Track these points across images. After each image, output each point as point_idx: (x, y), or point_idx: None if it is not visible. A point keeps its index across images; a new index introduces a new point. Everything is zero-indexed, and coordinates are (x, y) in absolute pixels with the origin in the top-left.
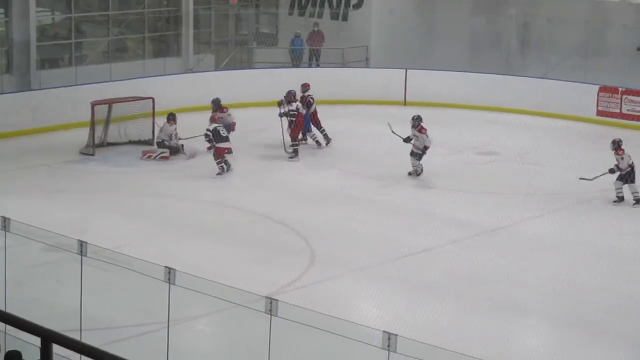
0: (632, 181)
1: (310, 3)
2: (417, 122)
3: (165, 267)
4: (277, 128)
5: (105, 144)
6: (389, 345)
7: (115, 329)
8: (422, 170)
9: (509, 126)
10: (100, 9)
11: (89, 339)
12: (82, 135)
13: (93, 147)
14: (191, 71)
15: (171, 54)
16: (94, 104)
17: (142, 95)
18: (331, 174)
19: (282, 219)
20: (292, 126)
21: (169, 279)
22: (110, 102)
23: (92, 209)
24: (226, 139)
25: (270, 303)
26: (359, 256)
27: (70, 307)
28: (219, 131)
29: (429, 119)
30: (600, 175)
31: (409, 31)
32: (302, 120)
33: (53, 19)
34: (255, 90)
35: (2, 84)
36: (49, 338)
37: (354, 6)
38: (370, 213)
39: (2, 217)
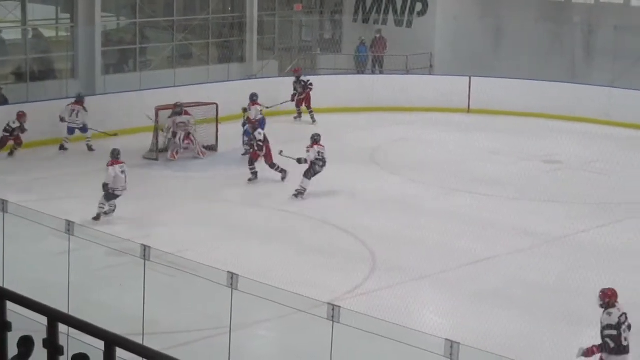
0: None
1: (374, 10)
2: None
3: (228, 272)
4: (342, 135)
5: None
6: (451, 354)
7: (177, 333)
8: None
9: (574, 134)
10: (165, 14)
11: (151, 343)
12: (146, 140)
13: (157, 152)
14: (255, 77)
15: (235, 60)
16: (158, 109)
17: (206, 100)
18: (393, 180)
19: (344, 226)
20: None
21: (231, 284)
22: (174, 108)
23: (155, 213)
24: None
25: (333, 309)
26: (420, 263)
27: (133, 312)
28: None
29: (493, 126)
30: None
31: (473, 38)
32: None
33: (118, 24)
34: (319, 97)
35: (68, 89)
36: (112, 342)
37: (418, 13)
38: (433, 220)
39: (67, 220)
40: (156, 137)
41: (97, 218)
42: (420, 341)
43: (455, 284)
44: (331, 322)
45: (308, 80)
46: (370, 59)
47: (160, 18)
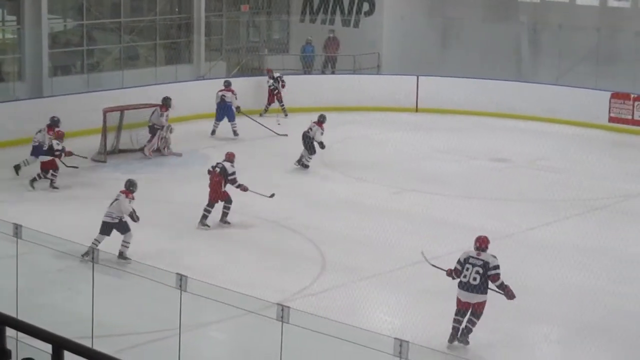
0: None
1: (321, 10)
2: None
3: (177, 274)
4: (291, 134)
5: (116, 151)
6: (400, 352)
7: (126, 335)
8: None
9: (520, 133)
10: (112, 16)
11: (100, 346)
12: (93, 142)
13: (105, 154)
14: (202, 78)
15: (182, 61)
16: (105, 111)
17: (154, 102)
18: (342, 180)
19: (293, 226)
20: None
21: (180, 286)
22: (121, 109)
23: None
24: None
25: (282, 310)
26: (370, 263)
27: (82, 314)
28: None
29: (441, 125)
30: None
31: (420, 38)
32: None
33: (65, 26)
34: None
35: (15, 91)
36: (60, 345)
37: (365, 13)
38: (382, 220)
39: (14, 224)
40: (104, 139)
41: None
42: (369, 340)
43: (404, 283)
44: (280, 323)
45: (280, 76)
46: (323, 59)
47: (107, 20)
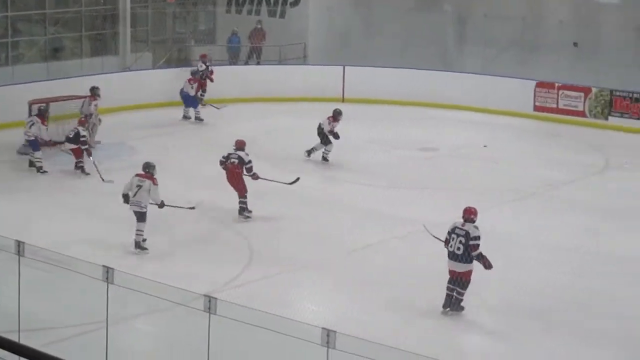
0: None
1: (248, 1)
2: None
3: (104, 266)
4: (215, 125)
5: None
6: (328, 342)
7: (54, 329)
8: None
9: (447, 122)
10: (37, 7)
11: (27, 340)
12: (19, 135)
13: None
14: (129, 69)
15: (109, 53)
16: (31, 103)
17: (80, 94)
18: (270, 171)
19: (221, 217)
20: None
21: (107, 279)
22: (47, 101)
23: (29, 208)
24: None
25: (209, 301)
26: (299, 253)
27: (9, 309)
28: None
29: (369, 115)
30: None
31: (346, 28)
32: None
33: None
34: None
35: None
36: None
37: (291, 3)
38: (311, 210)
39: None
40: None
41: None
42: (297, 330)
43: (333, 273)
44: (208, 314)
45: (209, 65)
46: (248, 50)
47: (32, 11)
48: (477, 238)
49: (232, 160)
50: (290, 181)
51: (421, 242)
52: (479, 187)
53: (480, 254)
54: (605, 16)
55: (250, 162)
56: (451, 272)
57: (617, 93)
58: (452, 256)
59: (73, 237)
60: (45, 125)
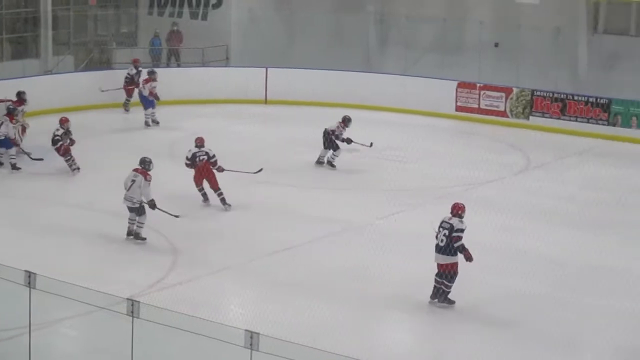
0: None
1: (169, 3)
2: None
3: (25, 271)
4: (137, 129)
5: None
6: (251, 344)
7: None
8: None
9: (370, 123)
10: None
11: None
12: None
13: None
14: (50, 72)
15: (30, 56)
16: None
17: (1, 97)
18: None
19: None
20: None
21: (29, 283)
22: None
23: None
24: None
25: (132, 305)
26: (223, 255)
27: None
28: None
29: (291, 117)
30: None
31: (269, 30)
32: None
33: None
34: (115, 91)
35: None
36: None
37: (213, 5)
38: (234, 212)
39: None
40: None
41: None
42: (221, 333)
43: (257, 275)
44: (131, 318)
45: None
46: (166, 52)
47: None
48: (461, 231)
49: (202, 157)
50: (255, 171)
51: (341, 243)
52: (400, 187)
53: (462, 245)
54: (525, 17)
55: (214, 156)
56: (438, 265)
57: (538, 93)
58: (437, 249)
59: None
60: (14, 124)
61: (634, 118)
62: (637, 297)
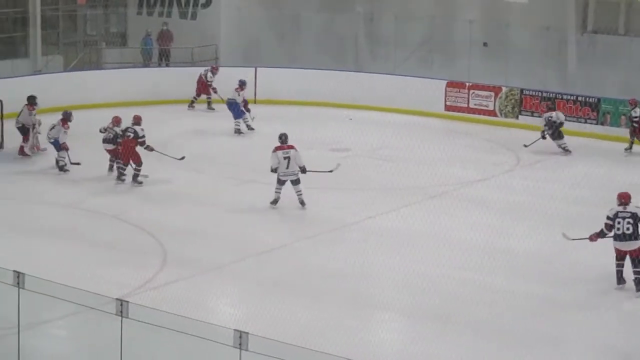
0: None
1: (159, 2)
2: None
3: (14, 271)
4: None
5: None
6: (240, 344)
7: None
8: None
9: (359, 122)
10: None
11: None
12: None
13: None
14: (40, 72)
15: (19, 56)
16: None
17: None
18: (184, 173)
19: (134, 220)
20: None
21: (18, 283)
22: None
23: None
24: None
25: (121, 305)
26: (212, 255)
27: None
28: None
29: (281, 116)
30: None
31: (258, 29)
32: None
33: None
34: (105, 91)
35: None
36: None
37: (202, 5)
38: (223, 212)
39: None
40: None
41: (274, 202)
42: (209, 333)
43: (246, 274)
44: (120, 318)
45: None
46: (157, 52)
47: None
48: None
49: (128, 134)
50: (179, 157)
51: (332, 243)
52: (390, 186)
53: None
54: (513, 16)
55: (144, 136)
56: (622, 252)
57: (527, 92)
58: (622, 237)
59: None
60: (65, 129)
61: (623, 117)
62: (631, 296)
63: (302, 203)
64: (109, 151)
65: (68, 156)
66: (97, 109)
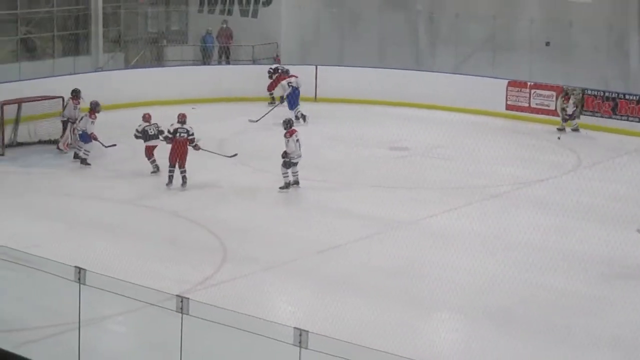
0: None
1: (220, 0)
2: (286, 125)
3: (76, 267)
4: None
5: (14, 144)
6: (300, 342)
7: (25, 330)
8: (292, 182)
9: (419, 121)
10: (8, 7)
11: None
12: None
13: (3, 147)
14: (101, 70)
15: (81, 53)
16: (2, 104)
17: (52, 94)
18: (242, 171)
19: (194, 218)
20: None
21: (79, 279)
22: (19, 102)
23: (1, 210)
24: (155, 137)
25: (182, 301)
26: (271, 253)
27: None
28: (146, 130)
29: (341, 115)
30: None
31: (319, 27)
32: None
33: None
34: (166, 88)
35: None
36: None
37: (263, 3)
38: (283, 210)
39: None
40: (2, 132)
41: (285, 187)
42: (270, 331)
43: (305, 273)
44: (180, 315)
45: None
46: (217, 50)
47: (3, 11)
48: None
49: (182, 134)
50: (230, 155)
51: (390, 241)
52: (449, 186)
53: None
54: (576, 15)
55: (193, 134)
56: None
57: (589, 92)
58: None
59: (42, 238)
60: (93, 119)
61: None
62: None
63: (297, 182)
64: (151, 148)
65: (101, 142)
66: (157, 106)
